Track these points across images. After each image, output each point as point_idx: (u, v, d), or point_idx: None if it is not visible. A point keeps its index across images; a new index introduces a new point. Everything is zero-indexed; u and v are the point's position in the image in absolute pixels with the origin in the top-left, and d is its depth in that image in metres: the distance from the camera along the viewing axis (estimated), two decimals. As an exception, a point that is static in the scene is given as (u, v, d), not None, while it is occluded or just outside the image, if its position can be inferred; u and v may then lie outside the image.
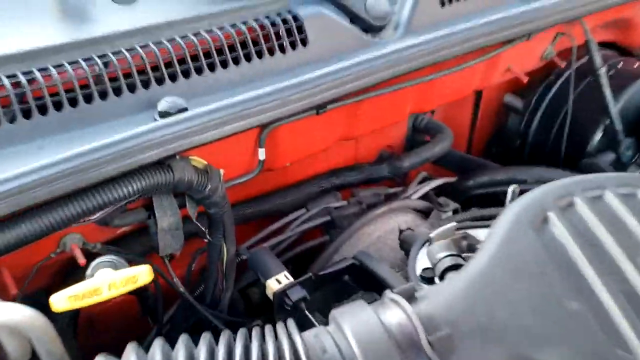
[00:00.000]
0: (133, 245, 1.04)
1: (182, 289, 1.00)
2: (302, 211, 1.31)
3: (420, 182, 1.48)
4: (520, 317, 0.61)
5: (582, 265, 0.65)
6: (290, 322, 0.63)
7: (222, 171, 0.98)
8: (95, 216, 0.85)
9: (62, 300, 0.71)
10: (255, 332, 0.62)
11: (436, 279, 0.87)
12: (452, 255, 0.84)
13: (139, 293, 0.99)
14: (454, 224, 0.90)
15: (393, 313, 0.62)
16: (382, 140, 1.48)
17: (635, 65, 1.54)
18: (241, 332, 0.62)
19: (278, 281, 0.96)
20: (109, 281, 0.72)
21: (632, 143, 1.44)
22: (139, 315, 1.09)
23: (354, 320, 0.62)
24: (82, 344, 1.04)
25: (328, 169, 1.37)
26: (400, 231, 1.19)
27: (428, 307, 0.62)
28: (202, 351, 0.59)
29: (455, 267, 0.83)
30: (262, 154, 1.05)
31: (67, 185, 0.82)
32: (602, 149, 1.43)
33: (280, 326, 0.63)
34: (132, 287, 0.75)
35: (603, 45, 1.67)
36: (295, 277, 0.98)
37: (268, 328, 0.63)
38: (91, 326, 1.11)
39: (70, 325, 1.01)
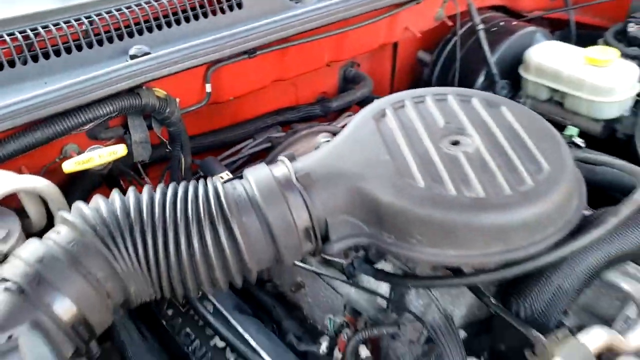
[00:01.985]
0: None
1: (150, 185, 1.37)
2: (250, 140, 1.68)
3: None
4: (354, 165, 0.99)
5: (399, 139, 1.03)
6: (215, 178, 1.00)
7: (178, 100, 1.34)
8: (86, 127, 1.21)
9: (71, 165, 1.08)
10: (191, 183, 0.99)
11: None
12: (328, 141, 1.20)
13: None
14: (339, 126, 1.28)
15: (279, 167, 1.00)
16: (318, 87, 1.86)
17: (514, 23, 1.93)
18: (181, 184, 0.98)
19: (221, 177, 1.34)
20: (99, 153, 1.09)
21: (506, 84, 1.83)
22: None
23: (255, 172, 0.99)
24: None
25: (274, 109, 1.74)
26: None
27: (300, 163, 1.00)
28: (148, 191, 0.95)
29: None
30: (208, 88, 1.41)
31: (66, 105, 1.18)
32: (484, 89, 1.81)
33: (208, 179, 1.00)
34: (113, 157, 1.12)
35: (496, 8, 2.05)
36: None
37: (199, 180, 1.00)
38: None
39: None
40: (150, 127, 1.36)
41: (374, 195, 0.95)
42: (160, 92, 1.31)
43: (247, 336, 1.17)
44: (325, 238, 0.98)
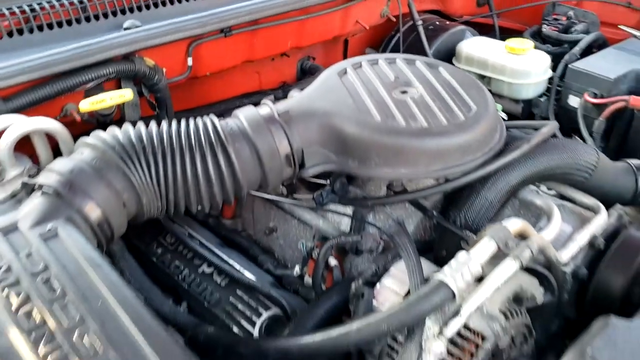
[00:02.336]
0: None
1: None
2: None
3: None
4: (324, 106, 1.22)
5: (358, 88, 1.27)
6: (212, 115, 1.21)
7: (164, 69, 1.55)
8: (88, 85, 1.40)
9: (86, 104, 1.26)
10: (191, 118, 1.19)
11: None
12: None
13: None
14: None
15: (263, 107, 1.22)
16: (279, 77, 2.09)
17: (447, 23, 2.24)
18: (183, 119, 1.19)
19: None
20: (110, 95, 1.29)
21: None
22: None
23: (244, 111, 1.21)
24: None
25: (241, 93, 1.96)
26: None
27: (279, 105, 1.23)
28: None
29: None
30: (190, 61, 1.62)
31: (71, 65, 1.37)
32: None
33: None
34: (122, 100, 1.31)
35: (432, 12, 2.37)
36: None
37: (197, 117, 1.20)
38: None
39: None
40: (140, 94, 1.55)
41: (340, 129, 1.19)
42: (150, 62, 1.51)
43: (231, 262, 1.37)
44: (302, 165, 1.20)
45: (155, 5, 1.57)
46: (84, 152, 1.09)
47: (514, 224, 1.08)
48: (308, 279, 1.36)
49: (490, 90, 1.99)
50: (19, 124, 1.22)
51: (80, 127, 1.41)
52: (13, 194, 1.16)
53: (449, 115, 1.21)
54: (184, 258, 1.43)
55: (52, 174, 1.04)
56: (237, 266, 1.36)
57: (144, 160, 1.09)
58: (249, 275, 1.33)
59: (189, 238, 1.45)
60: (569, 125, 1.91)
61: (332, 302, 1.16)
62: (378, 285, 1.13)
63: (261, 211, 1.56)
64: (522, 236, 1.08)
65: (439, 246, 1.27)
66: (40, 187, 1.03)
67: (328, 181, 1.31)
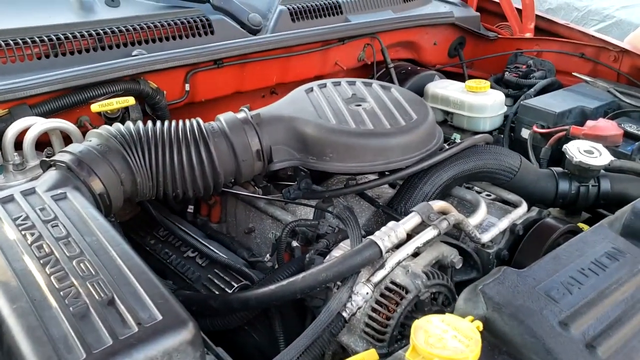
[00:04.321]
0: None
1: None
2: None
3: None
4: (290, 113, 1.49)
5: (320, 101, 1.54)
6: (198, 118, 1.48)
7: (165, 92, 1.84)
8: (100, 99, 1.68)
9: (96, 106, 1.54)
10: (180, 120, 1.46)
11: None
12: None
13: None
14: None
15: (240, 113, 1.49)
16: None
17: (418, 68, 2.55)
18: (173, 120, 1.46)
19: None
20: (116, 100, 1.57)
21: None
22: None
23: (223, 115, 1.48)
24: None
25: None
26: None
27: (255, 111, 1.50)
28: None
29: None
30: (187, 87, 1.92)
31: (84, 82, 1.66)
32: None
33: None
34: (126, 104, 1.59)
35: (406, 60, 2.68)
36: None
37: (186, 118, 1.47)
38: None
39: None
40: (144, 112, 1.83)
41: (302, 130, 1.46)
42: (153, 85, 1.80)
43: (212, 248, 1.61)
44: (270, 160, 1.46)
45: (160, 39, 1.88)
46: (92, 139, 1.36)
47: (436, 203, 1.31)
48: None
49: (452, 125, 2.31)
50: (40, 123, 1.50)
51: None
52: (32, 178, 1.43)
53: (392, 122, 1.48)
54: (172, 246, 1.67)
55: (66, 153, 1.30)
56: (216, 251, 1.59)
57: (140, 148, 1.35)
58: (225, 259, 1.56)
59: (179, 231, 1.69)
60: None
61: (290, 269, 1.38)
62: (328, 256, 1.36)
63: (242, 215, 1.80)
64: (444, 213, 1.31)
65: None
66: (55, 162, 1.29)
67: (296, 182, 1.56)
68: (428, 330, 0.96)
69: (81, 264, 1.05)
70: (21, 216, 1.16)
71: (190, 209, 1.84)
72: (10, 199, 1.21)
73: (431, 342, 0.94)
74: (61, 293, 1.00)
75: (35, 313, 0.96)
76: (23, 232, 1.12)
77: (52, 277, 1.02)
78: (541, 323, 0.99)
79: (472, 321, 0.99)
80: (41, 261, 1.06)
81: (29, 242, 1.10)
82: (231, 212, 1.83)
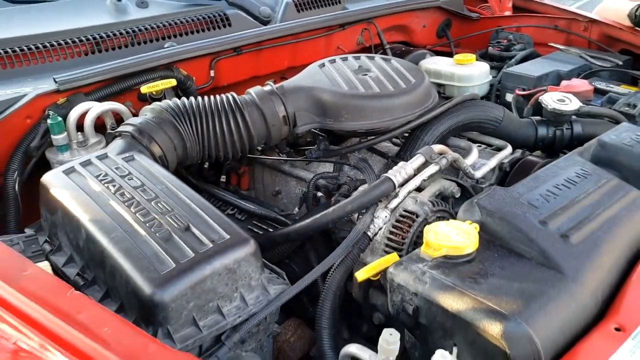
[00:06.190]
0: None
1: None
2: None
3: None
4: (309, 83, 1.77)
5: (332, 72, 1.82)
6: (232, 92, 1.76)
7: (194, 78, 2.11)
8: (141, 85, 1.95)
9: (145, 89, 1.82)
10: (218, 94, 1.73)
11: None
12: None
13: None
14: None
15: (267, 86, 1.76)
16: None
17: (411, 48, 2.83)
18: (212, 95, 1.73)
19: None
20: (161, 82, 1.85)
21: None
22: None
23: (254, 88, 1.75)
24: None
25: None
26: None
27: (279, 84, 1.77)
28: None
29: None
30: (212, 73, 2.19)
31: (128, 71, 1.93)
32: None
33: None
34: (170, 85, 1.87)
35: (400, 42, 2.96)
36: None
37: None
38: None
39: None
40: (178, 97, 2.10)
41: (320, 97, 1.74)
42: (184, 72, 2.08)
43: (249, 205, 1.88)
44: (294, 125, 1.74)
45: (186, 33, 2.16)
46: (147, 113, 1.63)
47: (437, 146, 1.59)
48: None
49: (444, 95, 2.59)
50: (97, 106, 1.78)
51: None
52: (94, 154, 1.70)
53: (395, 85, 1.76)
54: (215, 205, 1.93)
55: (128, 125, 1.58)
56: (253, 207, 1.86)
57: (187, 119, 1.63)
58: (256, 209, 1.84)
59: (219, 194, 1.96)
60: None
61: (319, 211, 1.65)
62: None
63: (269, 180, 2.08)
64: (442, 154, 1.59)
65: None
66: (121, 133, 1.56)
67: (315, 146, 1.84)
68: (437, 231, 1.24)
69: (158, 204, 1.33)
70: (101, 174, 1.43)
71: (223, 178, 2.11)
72: (88, 162, 1.49)
73: (440, 238, 1.22)
74: (147, 224, 1.27)
75: (129, 239, 1.24)
76: (105, 185, 1.39)
77: (137, 214, 1.29)
78: (525, 222, 1.27)
79: (470, 224, 1.27)
80: (126, 204, 1.33)
81: (112, 191, 1.37)
82: (259, 179, 2.11)
